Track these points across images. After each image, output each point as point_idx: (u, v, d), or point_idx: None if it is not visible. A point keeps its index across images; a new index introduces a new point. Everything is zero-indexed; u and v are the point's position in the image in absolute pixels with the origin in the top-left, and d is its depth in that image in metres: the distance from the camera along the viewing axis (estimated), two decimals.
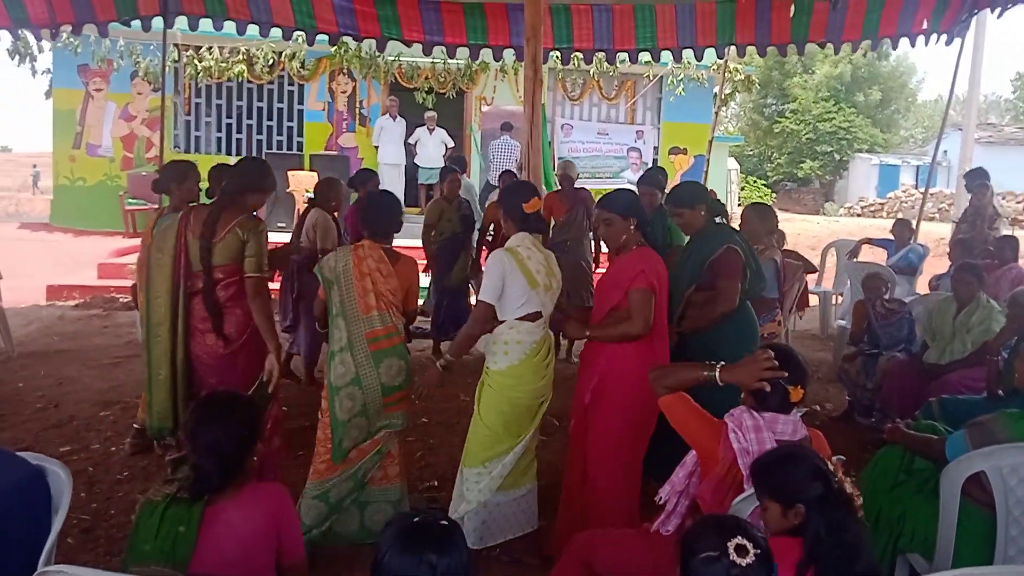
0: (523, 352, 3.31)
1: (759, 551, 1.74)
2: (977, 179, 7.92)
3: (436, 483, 4.29)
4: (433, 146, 12.38)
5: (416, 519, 1.67)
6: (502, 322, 3.36)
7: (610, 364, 3.30)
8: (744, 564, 1.72)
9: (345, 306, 3.38)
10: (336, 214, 5.88)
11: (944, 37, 6.99)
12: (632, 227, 3.37)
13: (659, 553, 2.53)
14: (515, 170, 12.21)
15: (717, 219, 3.96)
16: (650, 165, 13.98)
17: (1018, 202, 21.46)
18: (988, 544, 2.71)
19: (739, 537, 1.75)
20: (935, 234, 14.46)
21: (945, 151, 8.75)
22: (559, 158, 13.40)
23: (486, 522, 3.46)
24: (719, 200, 4.13)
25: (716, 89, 13.64)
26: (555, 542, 3.38)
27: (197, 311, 3.45)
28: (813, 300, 9.03)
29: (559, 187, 7.17)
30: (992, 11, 6.30)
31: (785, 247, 7.36)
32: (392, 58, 12.22)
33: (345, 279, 3.39)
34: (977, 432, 2.80)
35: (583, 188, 7.19)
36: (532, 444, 3.53)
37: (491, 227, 6.99)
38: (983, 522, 2.73)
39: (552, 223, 6.78)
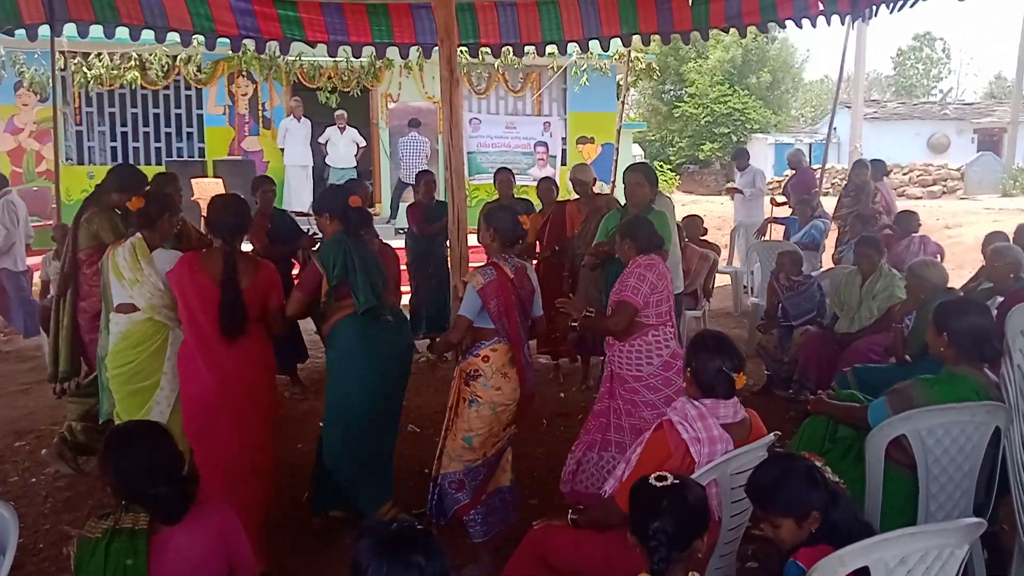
0: (112, 340, 3.70)
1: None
2: (857, 163, 8.95)
3: None
4: (344, 145, 12.20)
5: (394, 526, 1.67)
6: None
7: None
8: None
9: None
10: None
11: (848, 18, 7.26)
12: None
13: (610, 545, 2.60)
14: (425, 166, 12.20)
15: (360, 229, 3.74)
16: (559, 157, 14.12)
17: (904, 174, 22.66)
18: (911, 503, 2.90)
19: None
20: (832, 208, 15.05)
21: (835, 128, 9.18)
22: (468, 153, 13.44)
23: None
24: (361, 208, 3.81)
25: (619, 78, 13.88)
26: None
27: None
28: (725, 279, 9.37)
29: (575, 195, 6.46)
30: (890, 10, 6.60)
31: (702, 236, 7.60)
32: (293, 58, 11.94)
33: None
34: (896, 399, 2.98)
35: (603, 194, 6.72)
36: None
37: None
38: (906, 482, 2.92)
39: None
